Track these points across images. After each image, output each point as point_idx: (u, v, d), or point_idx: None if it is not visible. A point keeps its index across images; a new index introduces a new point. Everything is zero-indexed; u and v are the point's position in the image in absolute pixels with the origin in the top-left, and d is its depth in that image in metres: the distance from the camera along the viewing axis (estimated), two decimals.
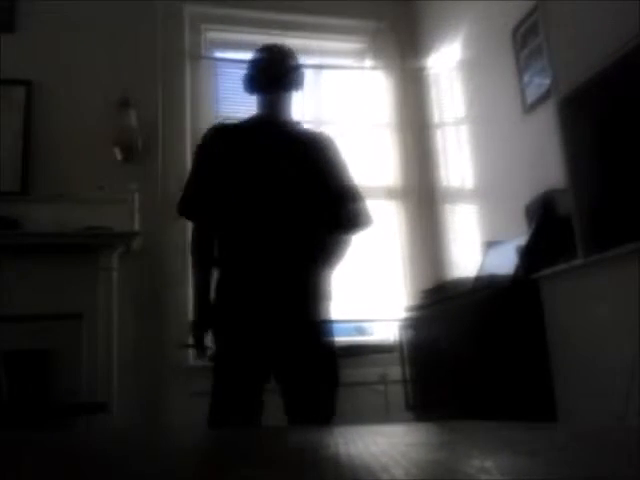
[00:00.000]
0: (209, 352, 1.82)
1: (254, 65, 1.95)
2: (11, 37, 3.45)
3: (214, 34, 3.93)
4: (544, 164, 2.57)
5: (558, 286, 2.14)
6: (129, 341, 3.18)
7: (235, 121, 2.06)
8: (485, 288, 2.42)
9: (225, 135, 1.94)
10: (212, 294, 1.82)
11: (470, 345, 2.38)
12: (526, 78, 2.89)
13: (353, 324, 3.76)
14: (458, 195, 3.67)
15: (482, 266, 2.91)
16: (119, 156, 3.42)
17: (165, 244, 3.37)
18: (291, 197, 1.82)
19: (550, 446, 0.63)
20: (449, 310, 2.64)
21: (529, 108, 2.86)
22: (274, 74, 1.92)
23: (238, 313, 1.75)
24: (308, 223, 1.83)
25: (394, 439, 0.77)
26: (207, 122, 3.64)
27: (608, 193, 1.98)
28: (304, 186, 1.84)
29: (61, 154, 3.37)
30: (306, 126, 2.06)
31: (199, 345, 1.83)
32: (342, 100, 4.14)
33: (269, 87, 1.92)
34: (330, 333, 1.81)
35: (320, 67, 4.20)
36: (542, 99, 2.71)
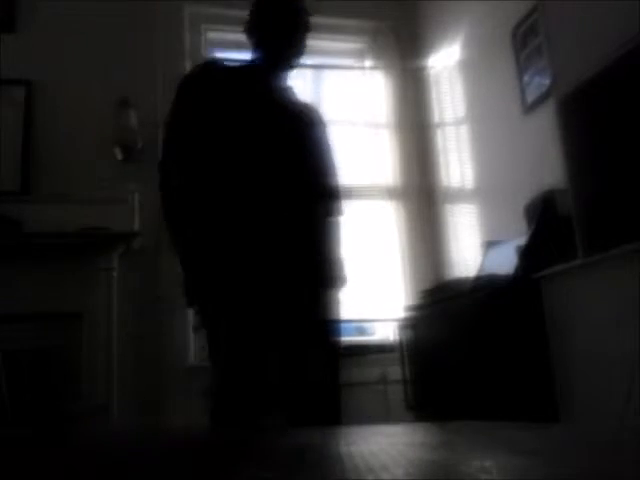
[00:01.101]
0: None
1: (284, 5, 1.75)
2: (11, 37, 3.45)
3: (214, 34, 3.92)
4: (544, 164, 2.57)
5: (558, 286, 2.14)
6: (129, 341, 3.18)
7: (228, 64, 1.81)
8: (485, 288, 2.42)
9: (220, 82, 1.71)
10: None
11: (470, 345, 2.38)
12: (526, 78, 2.89)
13: (353, 324, 3.76)
14: (458, 195, 3.67)
15: (482, 266, 2.91)
16: (119, 156, 3.42)
17: (165, 244, 3.37)
18: (291, 178, 1.67)
19: (550, 446, 0.63)
20: (449, 310, 2.64)
21: (529, 108, 2.86)
22: (304, 16, 1.78)
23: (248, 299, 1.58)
24: (306, 209, 1.68)
25: (394, 439, 0.77)
26: None
27: (608, 193, 1.97)
28: (298, 167, 1.69)
29: (61, 154, 3.37)
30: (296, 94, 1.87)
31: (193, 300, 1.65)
32: (342, 100, 4.14)
33: (297, 33, 1.75)
34: (337, 332, 1.71)
35: (320, 67, 4.20)
36: (542, 99, 2.71)
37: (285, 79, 1.81)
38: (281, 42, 1.77)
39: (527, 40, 2.86)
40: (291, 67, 1.81)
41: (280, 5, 1.78)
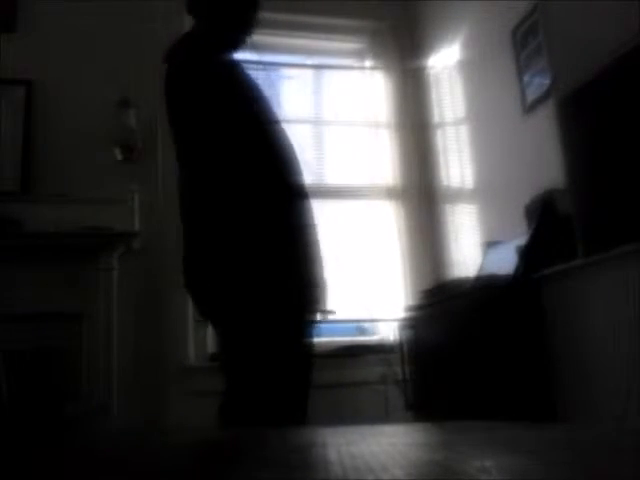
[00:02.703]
0: None
1: None
2: (11, 37, 3.45)
3: None
4: (544, 164, 2.57)
5: (558, 286, 2.14)
6: (129, 341, 3.18)
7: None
8: (485, 288, 2.42)
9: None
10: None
11: (470, 345, 2.38)
12: (526, 78, 2.89)
13: (353, 324, 3.76)
14: (458, 195, 3.67)
15: (482, 266, 2.91)
16: (119, 156, 3.42)
17: (165, 244, 3.37)
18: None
19: (550, 446, 0.63)
20: (449, 310, 2.64)
21: (529, 108, 2.86)
22: None
23: None
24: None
25: (394, 439, 0.77)
26: None
27: (608, 193, 1.97)
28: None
29: (61, 154, 3.37)
30: None
31: None
32: (342, 100, 4.14)
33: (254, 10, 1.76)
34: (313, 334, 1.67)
35: (320, 67, 4.20)
36: (542, 99, 2.71)
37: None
38: (233, 15, 1.73)
39: (527, 40, 2.86)
40: (239, 46, 1.79)
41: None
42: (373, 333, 3.81)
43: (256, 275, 1.54)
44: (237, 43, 1.77)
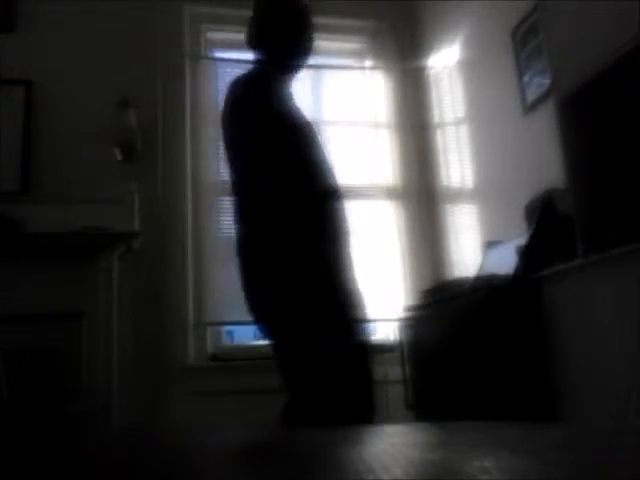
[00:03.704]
0: None
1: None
2: (11, 37, 3.45)
3: (214, 34, 3.92)
4: (544, 164, 2.57)
5: (558, 286, 2.14)
6: (129, 341, 3.18)
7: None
8: (485, 288, 2.42)
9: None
10: None
11: (470, 345, 2.38)
12: (526, 78, 2.89)
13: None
14: (458, 195, 3.67)
15: (482, 266, 2.91)
16: (119, 156, 3.42)
17: (165, 244, 3.37)
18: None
19: (550, 446, 0.63)
20: (449, 310, 2.64)
21: (529, 108, 2.86)
22: None
23: None
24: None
25: (394, 439, 0.77)
26: (207, 122, 3.65)
27: (608, 193, 1.97)
28: None
29: (61, 154, 3.37)
30: None
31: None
32: (342, 100, 4.14)
33: (308, 32, 1.96)
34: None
35: (320, 67, 4.20)
36: (542, 99, 2.71)
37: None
38: (295, 45, 1.86)
39: (527, 40, 2.86)
40: (300, 68, 1.91)
41: (287, 7, 1.84)
42: (373, 333, 3.81)
43: (308, 280, 1.69)
44: (297, 69, 1.92)
